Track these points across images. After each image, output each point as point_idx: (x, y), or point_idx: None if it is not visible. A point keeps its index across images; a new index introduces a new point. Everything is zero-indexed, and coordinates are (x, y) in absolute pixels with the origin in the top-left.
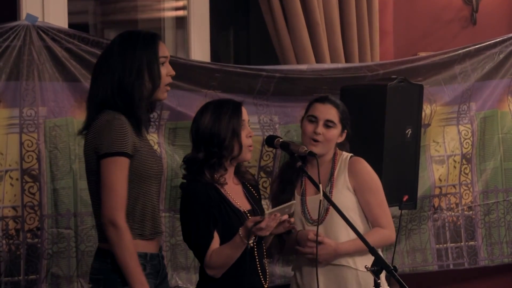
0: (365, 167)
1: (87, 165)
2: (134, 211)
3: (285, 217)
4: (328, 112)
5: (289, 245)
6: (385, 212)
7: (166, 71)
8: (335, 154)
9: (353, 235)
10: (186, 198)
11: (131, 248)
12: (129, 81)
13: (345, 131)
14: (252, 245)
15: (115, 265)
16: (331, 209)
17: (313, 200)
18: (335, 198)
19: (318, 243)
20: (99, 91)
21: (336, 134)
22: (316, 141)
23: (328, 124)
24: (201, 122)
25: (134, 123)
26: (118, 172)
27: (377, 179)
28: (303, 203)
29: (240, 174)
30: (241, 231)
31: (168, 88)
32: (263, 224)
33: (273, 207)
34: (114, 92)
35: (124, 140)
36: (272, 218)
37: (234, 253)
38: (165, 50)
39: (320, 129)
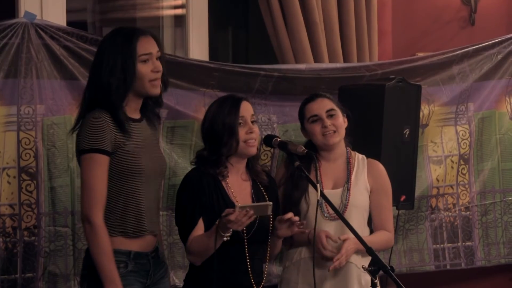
0: (384, 171)
1: (78, 163)
2: (115, 208)
3: (290, 215)
4: (324, 103)
5: (298, 243)
6: (391, 217)
7: (151, 67)
8: (349, 153)
9: (362, 234)
10: (181, 184)
11: (104, 246)
12: (104, 78)
13: (345, 115)
14: (227, 238)
15: None
16: (350, 206)
17: (330, 195)
18: (354, 197)
19: (338, 240)
20: (87, 90)
21: (342, 119)
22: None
23: (330, 113)
24: (205, 119)
25: (117, 121)
26: (94, 169)
27: (390, 184)
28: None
29: (253, 172)
30: (217, 221)
31: (157, 83)
32: (232, 217)
33: (283, 207)
34: (97, 89)
35: (100, 137)
36: (243, 214)
37: (211, 242)
38: (149, 46)
39: (327, 121)
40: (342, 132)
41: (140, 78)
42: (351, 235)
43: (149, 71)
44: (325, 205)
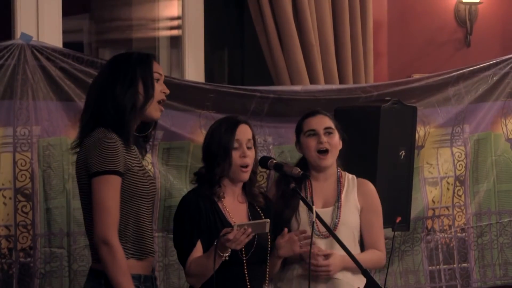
0: (374, 190)
1: (79, 184)
2: (126, 231)
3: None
4: (323, 121)
5: (289, 259)
6: (383, 237)
7: (160, 88)
8: (339, 173)
9: (354, 251)
10: (178, 207)
11: (124, 267)
12: (122, 90)
13: (341, 137)
14: (226, 258)
15: (109, 286)
16: (340, 225)
17: (321, 213)
18: (344, 216)
19: (327, 255)
20: (91, 107)
21: (338, 139)
22: (324, 152)
23: (328, 131)
24: (205, 137)
25: (125, 139)
26: (110, 190)
27: (380, 204)
28: (311, 215)
29: (249, 194)
30: (216, 241)
31: (162, 107)
32: (230, 236)
33: (274, 226)
34: (108, 104)
35: (115, 159)
36: (241, 232)
37: (210, 263)
38: (159, 68)
39: (323, 138)
40: (336, 152)
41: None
42: (340, 252)
43: (159, 91)
44: (316, 223)
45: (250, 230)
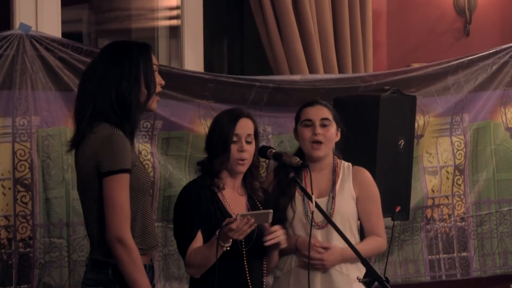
0: (370, 177)
1: (83, 179)
2: (134, 227)
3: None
4: (321, 112)
5: (285, 251)
6: (382, 222)
7: (157, 80)
8: (335, 162)
9: (352, 240)
10: (179, 196)
11: (139, 264)
12: (127, 87)
13: (339, 129)
14: (227, 248)
15: (117, 278)
16: (335, 214)
17: (317, 203)
18: (339, 205)
19: (325, 248)
20: (92, 102)
21: (334, 132)
22: (317, 142)
23: (324, 123)
24: (209, 128)
25: (129, 135)
26: (122, 189)
27: (377, 190)
28: (306, 204)
29: (249, 188)
30: (217, 231)
31: (159, 98)
32: (233, 225)
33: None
34: (112, 100)
35: (125, 157)
36: (244, 222)
37: (211, 253)
38: (155, 59)
39: (318, 129)
40: (330, 144)
41: None
42: (338, 244)
43: (157, 82)
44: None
45: (253, 220)
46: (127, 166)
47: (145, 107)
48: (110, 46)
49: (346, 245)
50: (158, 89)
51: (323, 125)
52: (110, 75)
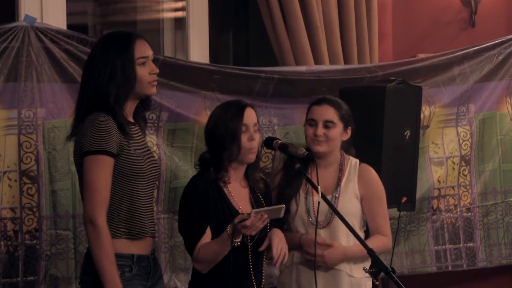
0: (376, 176)
1: (76, 166)
2: (119, 210)
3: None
4: (325, 113)
5: (289, 247)
6: (387, 222)
7: (148, 69)
8: (342, 159)
9: (353, 241)
10: (185, 191)
11: (108, 248)
12: (102, 84)
13: (349, 127)
14: (238, 244)
15: None
16: None
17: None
18: (342, 204)
19: (328, 245)
20: (84, 96)
21: (337, 132)
22: (318, 140)
23: (327, 125)
24: (209, 122)
25: (119, 124)
26: (99, 170)
27: (383, 189)
28: (308, 202)
29: (251, 179)
30: (228, 228)
31: (155, 83)
32: (248, 222)
33: (275, 200)
34: (95, 95)
35: (106, 139)
36: (258, 218)
37: (221, 249)
38: (144, 49)
39: (320, 130)
40: (333, 143)
41: (139, 80)
42: (340, 245)
43: (147, 73)
44: (313, 212)
45: (266, 216)
46: (108, 149)
47: (127, 99)
48: (99, 40)
49: (349, 244)
50: (151, 78)
51: (326, 127)
52: (92, 71)
